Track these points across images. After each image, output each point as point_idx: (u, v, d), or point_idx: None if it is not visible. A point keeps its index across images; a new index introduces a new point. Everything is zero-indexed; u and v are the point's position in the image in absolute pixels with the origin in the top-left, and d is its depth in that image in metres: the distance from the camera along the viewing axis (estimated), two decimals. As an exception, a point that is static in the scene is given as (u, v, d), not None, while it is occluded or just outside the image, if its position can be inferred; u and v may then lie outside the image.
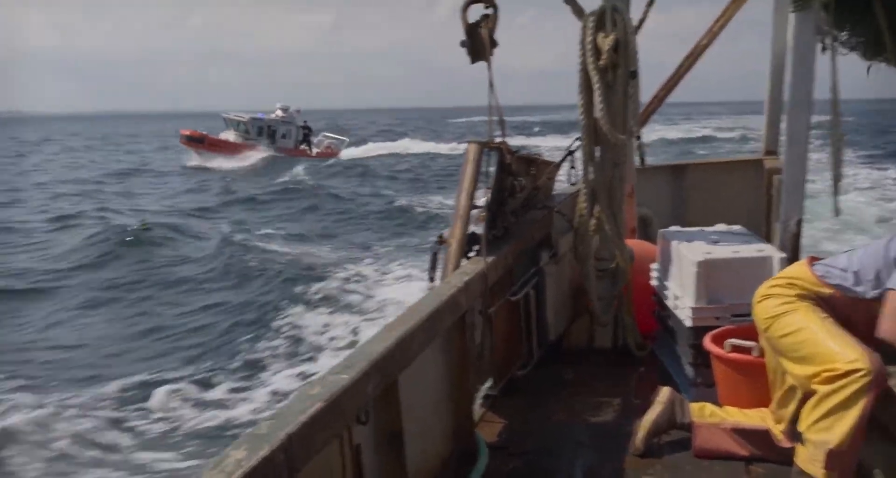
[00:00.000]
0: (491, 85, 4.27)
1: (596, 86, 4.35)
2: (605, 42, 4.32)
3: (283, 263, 15.68)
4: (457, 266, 4.01)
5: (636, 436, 3.72)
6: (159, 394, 8.88)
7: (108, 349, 11.13)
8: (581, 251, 4.86)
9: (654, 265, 5.03)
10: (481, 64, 4.49)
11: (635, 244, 5.38)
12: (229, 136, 46.28)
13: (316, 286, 13.16)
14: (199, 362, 10.21)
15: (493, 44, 4.53)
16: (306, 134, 47.82)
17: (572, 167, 4.77)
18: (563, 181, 5.49)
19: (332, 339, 10.65)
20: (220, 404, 8.65)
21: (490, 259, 4.01)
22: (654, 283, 4.99)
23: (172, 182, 38.38)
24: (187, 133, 46.23)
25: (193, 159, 45.30)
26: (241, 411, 8.38)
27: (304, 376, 9.23)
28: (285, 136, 46.87)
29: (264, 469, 1.83)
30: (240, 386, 9.19)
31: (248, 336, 11.13)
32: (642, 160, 5.13)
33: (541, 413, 4.27)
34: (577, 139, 4.74)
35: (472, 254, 4.26)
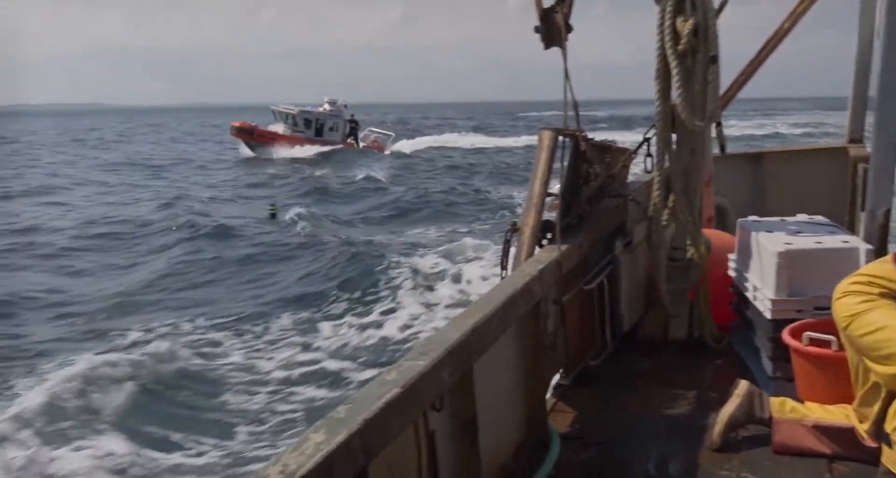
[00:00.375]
0: (566, 73, 4.21)
1: (674, 71, 4.25)
2: (685, 26, 4.22)
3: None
4: (530, 254, 3.98)
5: (713, 430, 3.64)
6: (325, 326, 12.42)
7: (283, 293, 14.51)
8: (654, 240, 4.77)
9: (732, 256, 4.90)
10: (553, 52, 4.44)
11: (712, 234, 5.26)
12: (278, 128, 47.14)
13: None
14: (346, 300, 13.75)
15: (569, 29, 4.46)
16: (353, 128, 48.55)
17: (648, 155, 4.68)
18: (636, 171, 5.40)
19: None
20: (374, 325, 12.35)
21: (564, 247, 3.96)
22: (732, 274, 4.86)
23: (237, 172, 39.33)
24: (237, 125, 47.32)
25: (244, 151, 46.50)
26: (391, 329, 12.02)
27: (427, 304, 13.05)
28: (333, 129, 47.63)
29: (342, 453, 1.85)
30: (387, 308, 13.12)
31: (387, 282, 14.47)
32: (722, 148, 4.99)
33: (614, 404, 4.21)
34: (652, 126, 4.64)
35: (545, 242, 4.23)
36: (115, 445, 7.92)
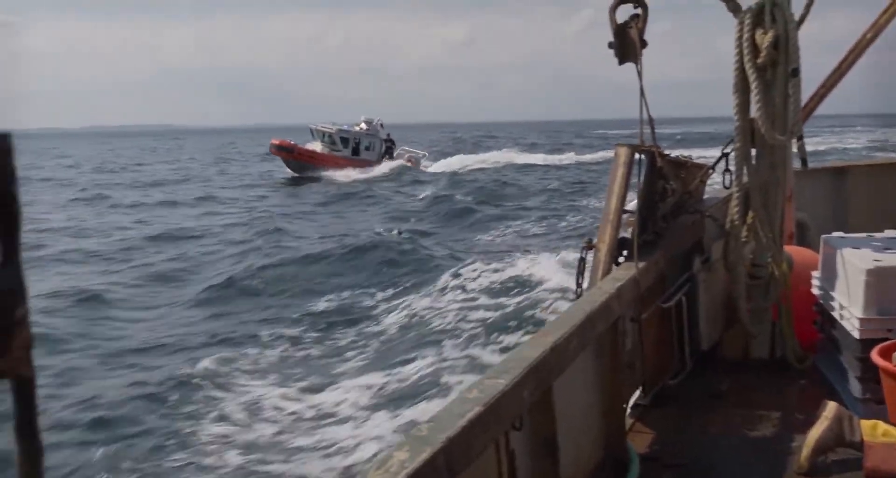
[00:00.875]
0: (641, 90, 4.17)
1: (753, 84, 4.17)
2: (765, 38, 4.14)
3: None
4: (607, 272, 3.93)
5: (800, 453, 3.52)
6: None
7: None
8: (733, 257, 4.66)
9: (816, 273, 4.76)
10: (626, 68, 4.40)
11: (794, 251, 5.11)
12: (316, 146, 46.61)
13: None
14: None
15: (643, 44, 4.42)
16: (389, 147, 47.99)
17: (727, 170, 4.59)
18: (713, 185, 5.30)
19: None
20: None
21: (641, 265, 3.90)
22: (816, 291, 4.72)
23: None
24: (276, 143, 46.29)
25: (285, 170, 45.85)
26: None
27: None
28: (369, 148, 47.02)
29: (426, 471, 1.85)
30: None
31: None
32: (804, 162, 4.86)
33: (694, 425, 4.11)
34: (730, 141, 4.56)
35: (621, 259, 4.17)
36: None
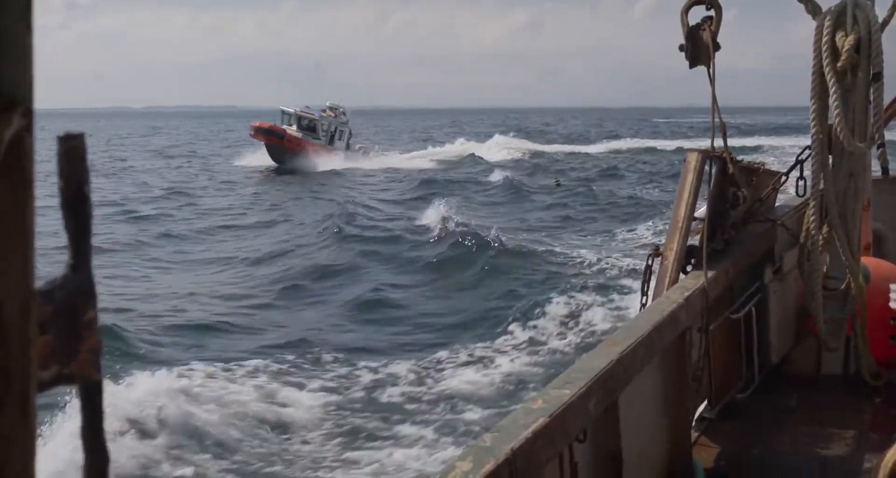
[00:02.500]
0: (714, 96, 4.05)
1: (832, 89, 4.02)
2: (845, 41, 3.98)
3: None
4: (675, 280, 3.82)
5: (876, 475, 3.36)
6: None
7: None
8: (807, 268, 4.50)
9: (895, 286, 4.56)
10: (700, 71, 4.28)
11: (871, 262, 4.91)
12: (290, 131, 40.60)
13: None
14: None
15: (716, 47, 4.29)
16: (342, 132, 42.88)
17: (801, 178, 4.43)
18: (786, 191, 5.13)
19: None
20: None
21: (710, 274, 3.79)
22: (893, 305, 4.52)
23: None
24: (264, 126, 40.15)
25: (259, 159, 40.69)
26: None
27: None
28: (340, 137, 42.08)
29: None
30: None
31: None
32: (885, 170, 4.67)
33: (762, 441, 3.97)
34: (806, 148, 4.40)
35: (689, 268, 4.06)
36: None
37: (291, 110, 41.98)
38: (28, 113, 0.49)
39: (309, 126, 41.41)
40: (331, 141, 41.64)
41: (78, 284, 0.54)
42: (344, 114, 43.69)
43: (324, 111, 42.80)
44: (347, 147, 42.79)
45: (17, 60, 0.48)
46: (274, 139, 39.47)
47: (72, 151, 0.52)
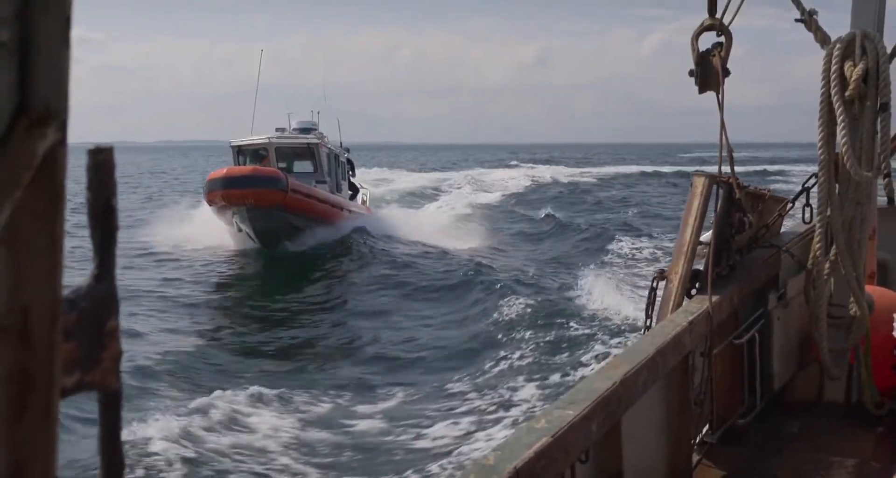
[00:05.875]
0: (722, 121, 4.08)
1: (840, 118, 4.04)
2: (854, 71, 4.00)
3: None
4: (679, 304, 3.83)
5: None
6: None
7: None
8: (813, 296, 4.50)
9: (899, 316, 4.55)
10: (708, 96, 4.31)
11: (875, 292, 4.91)
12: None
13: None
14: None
15: (726, 73, 4.32)
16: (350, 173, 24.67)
17: (807, 205, 4.45)
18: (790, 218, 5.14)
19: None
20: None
21: (714, 298, 3.79)
22: (897, 335, 4.51)
23: None
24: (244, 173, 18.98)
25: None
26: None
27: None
28: (335, 175, 21.95)
29: None
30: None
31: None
32: (891, 200, 4.68)
33: (763, 467, 3.96)
34: (813, 175, 4.42)
35: (694, 292, 4.06)
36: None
37: (266, 139, 22.39)
38: (63, 127, 0.51)
39: (311, 157, 23.01)
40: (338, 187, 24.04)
41: (101, 294, 0.56)
42: (324, 137, 24.61)
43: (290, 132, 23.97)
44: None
45: (54, 76, 0.50)
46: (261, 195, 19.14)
47: (101, 164, 0.54)
